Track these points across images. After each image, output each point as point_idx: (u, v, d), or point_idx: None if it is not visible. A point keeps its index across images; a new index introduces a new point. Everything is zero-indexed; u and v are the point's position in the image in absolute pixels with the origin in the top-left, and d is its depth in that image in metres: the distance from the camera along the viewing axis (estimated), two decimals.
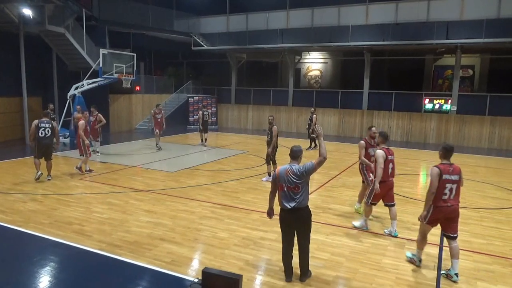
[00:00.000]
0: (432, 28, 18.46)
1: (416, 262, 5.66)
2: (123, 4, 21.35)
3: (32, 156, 10.28)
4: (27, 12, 15.29)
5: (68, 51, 17.71)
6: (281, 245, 5.18)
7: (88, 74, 16.70)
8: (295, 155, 5.03)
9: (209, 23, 24.81)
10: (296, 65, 24.99)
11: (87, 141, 10.85)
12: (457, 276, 5.18)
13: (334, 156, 14.32)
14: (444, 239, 5.67)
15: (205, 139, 16.62)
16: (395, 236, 6.71)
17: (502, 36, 17.09)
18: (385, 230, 6.87)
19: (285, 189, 4.92)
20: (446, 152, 5.32)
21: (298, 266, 5.12)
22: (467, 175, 12.00)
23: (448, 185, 5.17)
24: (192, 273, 5.27)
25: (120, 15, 20.88)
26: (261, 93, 24.67)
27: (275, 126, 10.46)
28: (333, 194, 9.43)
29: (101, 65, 15.73)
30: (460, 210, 8.25)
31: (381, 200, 6.90)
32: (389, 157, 6.71)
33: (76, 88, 16.39)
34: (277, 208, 5.13)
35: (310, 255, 5.16)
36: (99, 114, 13.56)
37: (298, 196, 4.90)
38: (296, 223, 4.99)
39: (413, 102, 20.44)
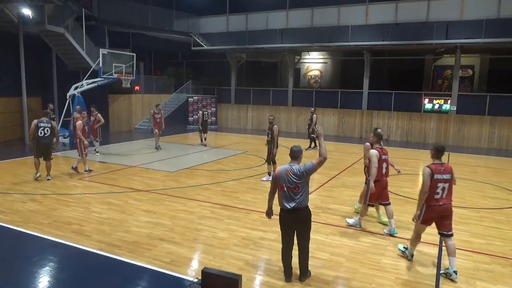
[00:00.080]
0: (432, 28, 18.46)
1: (408, 256, 5.76)
2: (122, 4, 21.34)
3: (33, 156, 10.29)
4: (27, 12, 15.28)
5: (68, 51, 17.69)
6: (280, 245, 5.17)
7: (88, 74, 16.69)
8: (295, 155, 5.03)
9: (208, 23, 24.81)
10: (296, 65, 24.99)
11: (86, 142, 10.83)
12: (456, 274, 5.20)
13: (333, 156, 14.30)
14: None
15: (205, 139, 16.63)
16: (394, 234, 6.73)
17: (501, 36, 17.10)
18: (385, 230, 6.88)
19: (285, 189, 4.92)
20: (437, 152, 5.44)
21: (298, 266, 5.11)
22: (466, 175, 12.04)
23: (440, 185, 5.26)
24: (192, 273, 5.27)
25: (119, 15, 20.88)
26: (261, 93, 24.66)
27: (275, 126, 10.47)
28: (332, 194, 9.43)
29: (100, 65, 15.72)
30: (460, 210, 8.34)
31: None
32: (383, 157, 6.78)
33: (76, 88, 16.37)
34: (276, 208, 5.12)
35: (309, 255, 5.15)
36: (98, 114, 13.56)
37: (298, 196, 4.89)
38: (296, 223, 4.98)
39: (412, 102, 20.43)
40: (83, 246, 6.03)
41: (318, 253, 5.91)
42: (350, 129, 21.70)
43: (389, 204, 6.90)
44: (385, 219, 7.11)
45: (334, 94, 22.56)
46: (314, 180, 10.18)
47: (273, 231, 6.59)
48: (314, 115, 15.88)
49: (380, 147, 6.86)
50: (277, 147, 10.51)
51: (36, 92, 18.23)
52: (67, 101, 16.66)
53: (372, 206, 7.03)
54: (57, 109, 17.71)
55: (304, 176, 4.88)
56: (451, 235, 5.37)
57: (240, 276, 4.50)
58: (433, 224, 5.48)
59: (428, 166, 5.34)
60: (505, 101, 18.55)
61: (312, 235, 5.18)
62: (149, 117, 20.13)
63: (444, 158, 5.61)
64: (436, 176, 5.25)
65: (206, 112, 16.99)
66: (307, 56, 25.70)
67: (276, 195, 5.09)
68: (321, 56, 25.82)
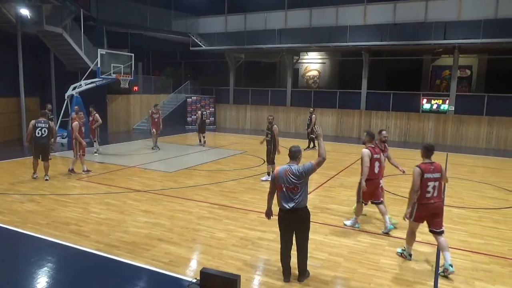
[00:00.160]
0: (430, 29, 18.49)
1: (406, 257, 5.80)
2: (121, 4, 21.31)
3: (31, 157, 10.29)
4: (25, 12, 15.24)
5: (66, 51, 17.66)
6: (279, 245, 5.17)
7: (86, 74, 16.66)
8: (294, 155, 5.03)
9: (207, 23, 24.80)
10: (294, 65, 24.99)
11: (84, 143, 10.83)
12: (452, 267, 5.26)
13: (332, 156, 14.31)
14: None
15: (204, 138, 16.66)
16: (391, 230, 6.78)
17: (499, 37, 17.14)
18: (382, 231, 6.88)
19: (284, 189, 4.91)
20: (427, 151, 5.57)
21: (296, 266, 5.11)
22: (465, 175, 12.07)
23: (431, 183, 5.38)
24: (190, 273, 5.26)
25: (118, 15, 20.85)
26: (259, 93, 24.66)
27: (275, 126, 10.47)
28: (331, 194, 9.44)
29: (99, 65, 15.70)
30: (458, 210, 8.36)
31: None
32: (375, 156, 6.83)
33: (74, 88, 16.35)
34: (275, 209, 5.12)
35: (308, 255, 5.16)
36: (96, 114, 13.55)
37: (297, 196, 4.89)
38: (294, 224, 4.98)
39: (411, 102, 20.47)
40: (81, 247, 6.02)
41: (317, 253, 5.92)
42: (348, 129, 21.72)
43: (380, 203, 6.97)
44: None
45: (333, 94, 22.59)
46: (313, 180, 10.17)
47: (271, 231, 6.59)
48: (313, 115, 15.90)
49: (373, 146, 6.92)
50: (278, 148, 10.51)
51: (34, 93, 18.19)
52: (65, 101, 16.63)
53: (365, 204, 7.07)
54: (55, 110, 17.68)
55: (303, 176, 4.88)
56: (442, 232, 5.48)
57: (238, 276, 4.50)
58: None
59: (418, 166, 5.45)
60: (503, 101, 18.60)
61: (310, 235, 5.18)
62: (147, 117, 20.12)
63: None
64: (426, 175, 5.37)
65: (205, 112, 17.00)
66: (305, 56, 25.71)
67: (275, 195, 5.10)
68: (319, 56, 25.84)
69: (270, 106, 23.90)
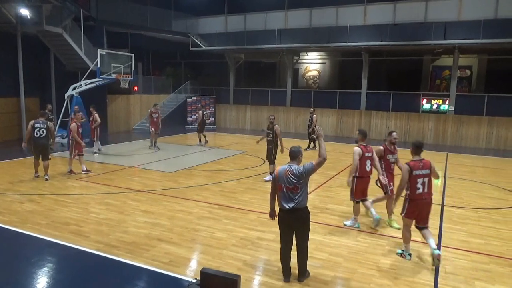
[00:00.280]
0: (430, 29, 18.49)
1: (406, 257, 5.84)
2: (121, 5, 21.32)
3: (31, 157, 10.32)
4: (25, 12, 15.24)
5: (66, 52, 17.66)
6: (279, 245, 5.17)
7: (86, 74, 16.63)
8: (294, 155, 5.03)
9: (207, 24, 24.80)
10: (294, 66, 24.99)
11: (83, 143, 10.86)
12: (438, 250, 5.55)
13: (332, 156, 14.30)
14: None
15: (205, 137, 16.69)
16: (378, 219, 6.87)
17: (499, 37, 17.14)
18: (373, 225, 6.98)
19: (284, 189, 4.92)
20: (416, 148, 5.74)
21: (296, 266, 5.11)
22: (465, 175, 12.07)
23: (420, 180, 5.55)
24: (190, 273, 5.26)
25: (118, 15, 20.85)
26: (259, 93, 24.66)
27: (276, 126, 10.50)
28: (330, 194, 9.44)
29: (99, 66, 15.67)
30: (458, 210, 8.36)
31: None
32: (366, 154, 6.91)
33: (74, 88, 16.33)
34: (277, 209, 5.12)
35: (308, 255, 5.16)
36: (95, 114, 13.57)
37: (297, 196, 4.89)
38: (294, 224, 4.98)
39: (411, 103, 20.47)
40: (81, 247, 6.02)
41: (317, 253, 5.91)
42: (348, 129, 21.71)
43: (366, 200, 7.11)
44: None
45: (333, 95, 22.58)
46: (313, 180, 10.14)
47: (271, 231, 6.59)
48: (314, 115, 15.91)
49: (364, 144, 6.99)
50: (276, 147, 10.51)
51: (34, 93, 18.19)
52: (65, 101, 16.62)
53: (358, 202, 7.11)
54: (55, 110, 17.67)
55: (303, 176, 4.89)
56: (427, 227, 5.70)
57: (238, 276, 4.51)
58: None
59: (407, 163, 5.64)
60: (503, 101, 18.60)
61: (310, 235, 5.18)
62: (147, 117, 20.12)
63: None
64: (415, 172, 5.53)
65: (206, 112, 17.04)
66: (305, 57, 25.71)
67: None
68: (319, 57, 25.84)
69: (270, 106, 23.90)
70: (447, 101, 19.55)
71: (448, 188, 10.36)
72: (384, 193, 7.27)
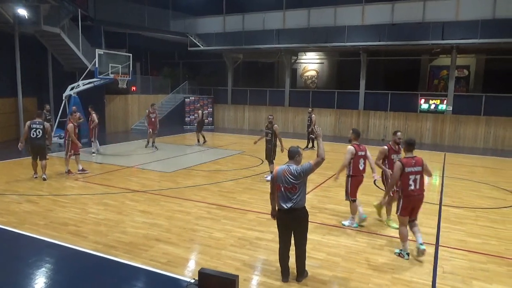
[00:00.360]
0: (428, 29, 18.52)
1: (404, 256, 5.85)
2: (119, 4, 21.27)
3: (29, 157, 10.31)
4: (22, 12, 15.21)
5: (64, 52, 17.62)
6: (277, 245, 5.17)
7: (84, 74, 16.61)
8: (292, 155, 5.04)
9: (205, 24, 24.77)
10: (293, 66, 24.99)
11: (79, 144, 10.85)
12: (423, 245, 5.72)
13: (330, 156, 14.26)
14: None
15: (203, 138, 16.67)
16: (364, 218, 7.08)
17: (497, 37, 17.18)
18: (344, 223, 7.19)
19: (282, 189, 4.92)
20: (408, 146, 5.91)
21: (295, 266, 5.11)
22: (464, 175, 12.09)
23: (412, 176, 5.69)
24: (189, 273, 5.26)
25: (116, 15, 20.80)
26: (258, 93, 24.66)
27: (275, 125, 10.52)
28: (329, 194, 9.45)
29: (97, 66, 15.65)
30: (457, 210, 8.38)
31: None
32: (359, 153, 7.05)
33: (72, 88, 16.30)
34: None
35: (306, 255, 5.16)
36: (93, 114, 13.55)
37: (295, 196, 4.89)
38: (293, 224, 4.98)
39: (409, 102, 20.50)
40: (79, 247, 6.00)
41: (315, 253, 5.92)
42: (346, 129, 21.65)
43: (355, 200, 7.19)
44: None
45: (331, 95, 22.59)
46: (311, 180, 10.15)
47: (269, 231, 6.60)
48: (313, 115, 15.94)
49: (357, 143, 7.12)
50: (275, 146, 10.50)
51: (32, 93, 18.15)
52: (63, 101, 16.59)
53: (354, 201, 7.16)
54: (53, 110, 17.62)
55: (301, 176, 4.89)
56: (415, 219, 5.91)
57: (237, 276, 4.50)
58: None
59: (399, 160, 5.84)
60: (501, 101, 18.65)
61: (308, 235, 5.18)
62: (144, 117, 20.11)
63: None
64: (407, 169, 5.66)
65: (205, 112, 17.05)
66: (303, 57, 25.72)
67: None
68: (317, 57, 25.85)
69: (268, 106, 23.90)
70: (445, 101, 19.58)
71: (446, 188, 10.39)
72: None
